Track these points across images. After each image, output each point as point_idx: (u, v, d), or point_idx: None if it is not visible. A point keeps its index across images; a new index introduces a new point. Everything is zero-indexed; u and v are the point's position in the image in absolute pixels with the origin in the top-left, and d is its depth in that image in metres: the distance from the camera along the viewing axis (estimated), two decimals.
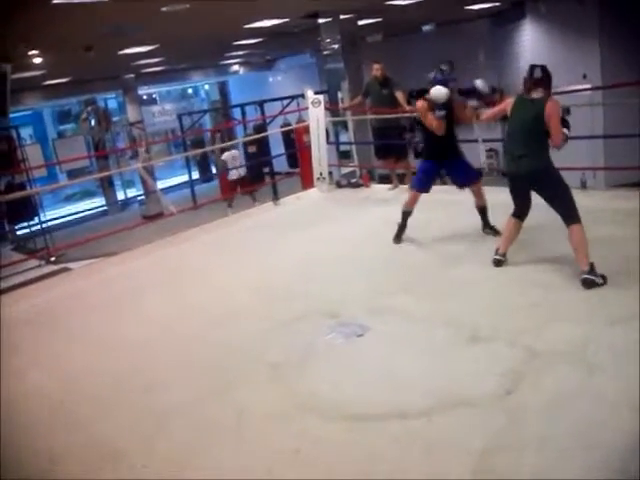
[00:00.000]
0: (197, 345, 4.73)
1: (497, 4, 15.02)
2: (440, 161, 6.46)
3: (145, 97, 24.22)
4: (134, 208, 19.97)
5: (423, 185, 6.48)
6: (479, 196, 6.40)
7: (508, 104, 5.32)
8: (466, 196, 6.53)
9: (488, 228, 6.38)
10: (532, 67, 5.16)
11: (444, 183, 8.24)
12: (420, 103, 6.35)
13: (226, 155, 14.58)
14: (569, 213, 4.99)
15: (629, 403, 3.26)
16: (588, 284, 4.77)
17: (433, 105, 6.15)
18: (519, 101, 5.22)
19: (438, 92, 6.06)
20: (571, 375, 3.62)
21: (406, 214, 6.52)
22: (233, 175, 14.36)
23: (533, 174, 5.11)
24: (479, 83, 6.13)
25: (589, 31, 14.22)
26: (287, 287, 5.68)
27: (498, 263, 5.45)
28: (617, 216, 6.18)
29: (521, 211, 5.38)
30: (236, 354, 4.50)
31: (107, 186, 21.21)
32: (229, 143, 16.48)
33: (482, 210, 6.41)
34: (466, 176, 6.47)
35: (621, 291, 4.61)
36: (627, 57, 13.80)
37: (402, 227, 6.56)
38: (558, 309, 4.52)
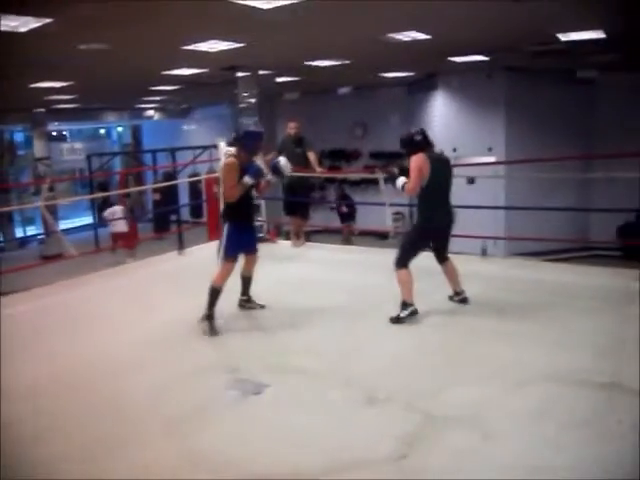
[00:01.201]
0: (91, 396, 4.49)
1: (411, 74, 15.58)
2: (244, 225, 5.85)
3: (55, 133, 23.66)
4: (33, 247, 19.26)
5: (237, 252, 5.79)
6: (252, 265, 6.06)
7: (423, 164, 5.58)
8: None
9: (248, 299, 6.19)
10: (422, 130, 5.82)
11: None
12: (231, 160, 5.63)
13: (107, 211, 14.66)
14: (448, 249, 6.00)
15: (523, 469, 3.32)
16: (463, 300, 6.00)
17: (246, 169, 5.59)
18: (433, 160, 5.66)
19: (257, 167, 5.70)
20: (466, 440, 3.66)
21: (218, 292, 5.64)
22: (111, 228, 14.47)
23: (452, 223, 5.87)
24: (282, 162, 6.00)
25: (496, 106, 14.97)
26: (186, 340, 5.51)
27: (414, 312, 5.64)
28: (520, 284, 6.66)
29: (412, 259, 5.76)
30: (130, 406, 4.31)
31: (6, 221, 20.41)
32: (117, 192, 16.46)
33: (249, 280, 6.14)
34: (254, 245, 6.05)
35: (519, 355, 4.79)
36: (531, 131, 14.57)
37: (213, 311, 5.63)
38: (456, 372, 4.60)
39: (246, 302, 6.21)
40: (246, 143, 5.66)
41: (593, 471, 3.27)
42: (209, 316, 5.60)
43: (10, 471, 3.51)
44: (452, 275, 6.01)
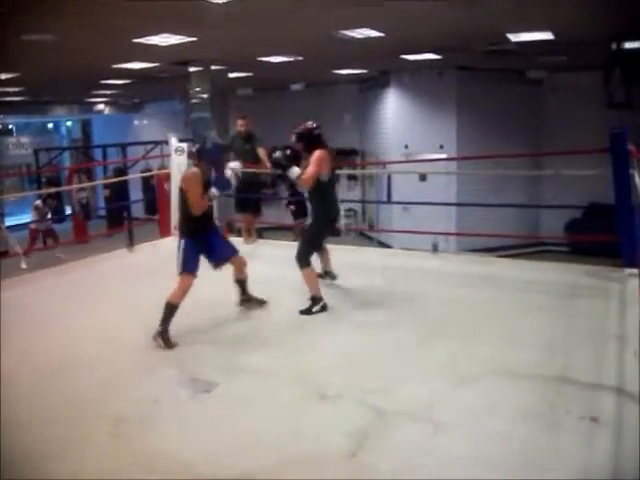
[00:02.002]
0: (36, 396, 4.38)
1: (364, 71, 15.62)
2: (201, 236, 5.54)
3: (0, 127, 23.09)
4: None
5: (195, 267, 5.45)
6: (241, 269, 5.85)
7: (324, 160, 5.71)
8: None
9: (246, 301, 5.98)
10: (319, 125, 6.04)
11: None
12: (196, 171, 5.39)
13: (35, 203, 14.37)
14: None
15: (473, 461, 3.36)
16: (333, 277, 6.43)
17: (212, 180, 5.47)
18: (331, 156, 5.91)
19: (225, 179, 5.73)
20: (416, 434, 3.68)
21: (174, 308, 5.29)
22: (34, 225, 14.16)
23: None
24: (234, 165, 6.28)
25: (447, 104, 15.11)
26: (135, 338, 5.40)
27: (325, 308, 5.81)
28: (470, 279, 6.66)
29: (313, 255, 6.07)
30: (77, 407, 4.20)
31: None
32: (65, 188, 16.04)
33: (242, 283, 5.94)
34: (226, 251, 5.77)
35: (469, 350, 4.85)
36: (481, 129, 14.76)
37: (167, 327, 5.23)
38: (407, 367, 4.63)
39: (246, 301, 6.00)
40: (210, 156, 5.53)
41: (543, 462, 3.33)
42: (162, 332, 5.19)
43: None
44: (326, 257, 6.49)
